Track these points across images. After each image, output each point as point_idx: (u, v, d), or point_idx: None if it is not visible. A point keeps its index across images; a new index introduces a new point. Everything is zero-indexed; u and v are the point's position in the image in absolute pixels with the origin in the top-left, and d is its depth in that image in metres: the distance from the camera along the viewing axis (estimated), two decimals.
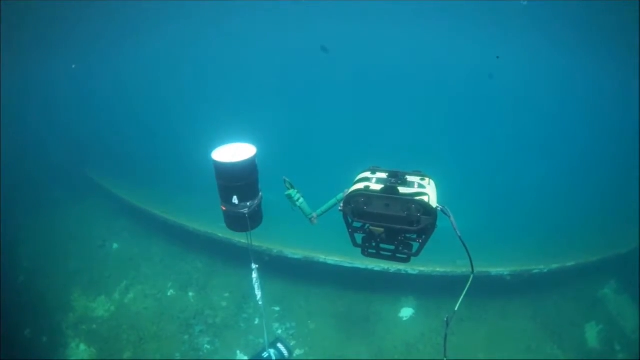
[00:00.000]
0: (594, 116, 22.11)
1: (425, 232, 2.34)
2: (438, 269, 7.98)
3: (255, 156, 3.10)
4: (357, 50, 24.80)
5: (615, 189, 13.75)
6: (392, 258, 2.59)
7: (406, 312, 8.75)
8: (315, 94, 26.71)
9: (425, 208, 2.22)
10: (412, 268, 7.98)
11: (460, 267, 8.00)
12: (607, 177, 15.13)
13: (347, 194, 2.51)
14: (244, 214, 3.19)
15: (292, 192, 3.33)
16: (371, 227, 2.44)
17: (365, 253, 2.66)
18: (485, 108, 24.01)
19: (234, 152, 3.07)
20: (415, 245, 2.47)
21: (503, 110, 23.38)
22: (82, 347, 8.03)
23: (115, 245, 10.71)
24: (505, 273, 8.28)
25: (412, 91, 26.16)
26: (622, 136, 18.27)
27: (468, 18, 17.84)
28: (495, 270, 8.21)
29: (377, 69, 26.51)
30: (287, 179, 3.34)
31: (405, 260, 2.58)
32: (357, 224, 2.51)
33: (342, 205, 2.53)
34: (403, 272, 7.98)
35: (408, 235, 2.43)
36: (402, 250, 2.49)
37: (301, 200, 3.35)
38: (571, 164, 16.93)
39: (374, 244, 2.56)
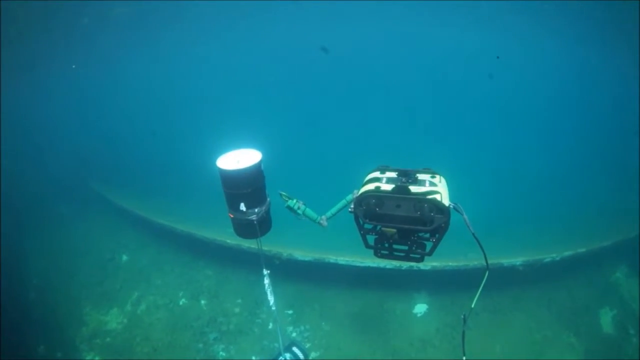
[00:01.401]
0: (602, 104, 22.00)
1: (439, 231, 2.28)
2: (450, 264, 7.93)
3: (260, 161, 3.04)
4: (357, 50, 24.74)
5: (622, 176, 13.64)
6: (405, 258, 2.54)
7: (420, 308, 8.69)
8: (315, 94, 26.69)
9: (438, 207, 2.16)
10: (424, 264, 7.90)
11: (472, 260, 7.95)
12: (615, 164, 15.00)
13: (357, 195, 2.46)
14: (253, 220, 3.14)
15: (290, 202, 3.30)
16: (383, 228, 2.39)
17: (378, 254, 2.60)
18: (493, 100, 23.92)
19: (238, 158, 3.01)
20: (429, 244, 2.42)
21: (511, 102, 23.28)
22: None
23: (124, 257, 10.72)
24: (518, 263, 8.21)
25: (414, 90, 26.10)
26: (630, 124, 18.14)
27: (468, 17, 17.74)
28: (507, 261, 8.15)
29: (378, 68, 26.45)
30: (282, 193, 3.33)
31: (419, 260, 2.53)
32: (368, 226, 2.46)
33: (352, 207, 2.48)
34: (415, 268, 7.93)
35: (421, 235, 2.38)
36: (416, 250, 2.44)
37: (303, 207, 3.31)
38: (579, 152, 16.81)
39: (386, 245, 2.52)
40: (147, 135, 19.20)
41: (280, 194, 3.31)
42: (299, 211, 3.30)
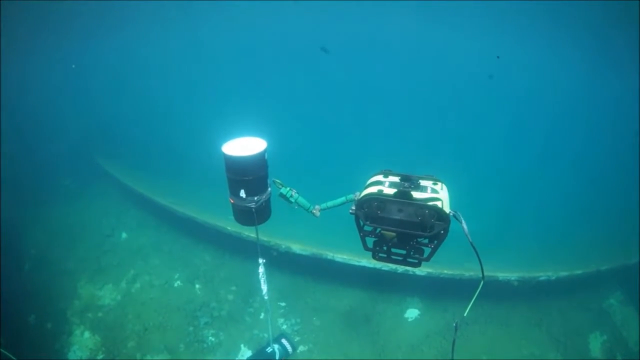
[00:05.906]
0: (605, 118, 21.83)
1: (438, 238, 2.31)
2: (446, 271, 7.93)
3: (265, 151, 3.08)
4: (358, 50, 24.69)
5: (627, 198, 13.54)
6: (403, 262, 2.57)
7: (411, 313, 8.71)
8: (316, 94, 26.60)
9: (439, 214, 2.19)
10: (420, 269, 7.92)
11: (468, 270, 7.94)
12: (620, 186, 14.90)
13: (359, 197, 2.49)
14: (251, 208, 3.19)
15: (283, 190, 3.33)
16: (383, 231, 2.42)
17: (376, 257, 2.64)
18: (494, 111, 23.74)
19: (244, 145, 3.06)
20: (427, 250, 2.44)
21: (512, 114, 23.10)
22: (87, 334, 8.10)
23: (124, 235, 10.78)
24: (513, 278, 8.19)
25: (414, 92, 25.99)
26: (631, 142, 18.00)
27: (469, 17, 17.68)
28: (502, 275, 8.14)
29: (378, 68, 26.36)
30: (276, 180, 3.36)
31: (416, 265, 2.56)
32: (368, 228, 2.49)
33: (353, 208, 2.51)
34: (410, 272, 7.93)
35: (420, 240, 2.41)
36: (414, 255, 2.47)
37: (296, 196, 3.34)
38: (583, 172, 16.69)
39: (385, 248, 2.54)
40: (157, 117, 19.19)
41: (274, 181, 3.34)
42: (291, 199, 3.32)
